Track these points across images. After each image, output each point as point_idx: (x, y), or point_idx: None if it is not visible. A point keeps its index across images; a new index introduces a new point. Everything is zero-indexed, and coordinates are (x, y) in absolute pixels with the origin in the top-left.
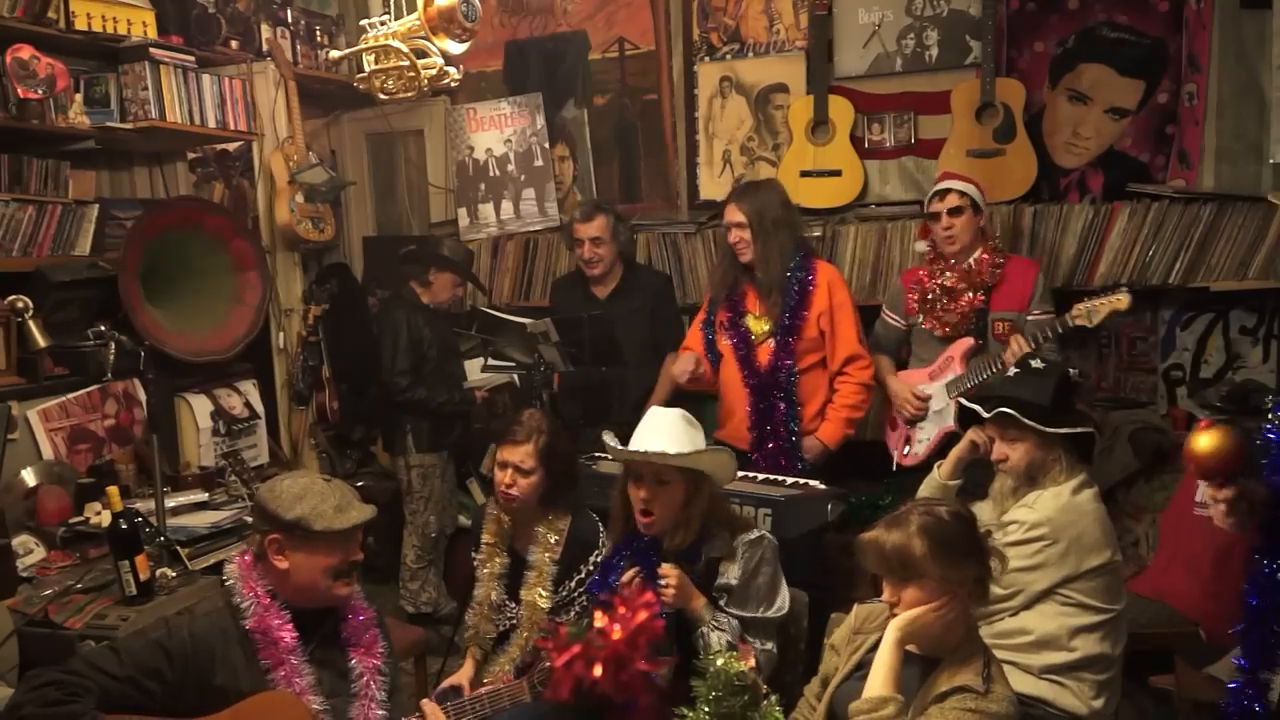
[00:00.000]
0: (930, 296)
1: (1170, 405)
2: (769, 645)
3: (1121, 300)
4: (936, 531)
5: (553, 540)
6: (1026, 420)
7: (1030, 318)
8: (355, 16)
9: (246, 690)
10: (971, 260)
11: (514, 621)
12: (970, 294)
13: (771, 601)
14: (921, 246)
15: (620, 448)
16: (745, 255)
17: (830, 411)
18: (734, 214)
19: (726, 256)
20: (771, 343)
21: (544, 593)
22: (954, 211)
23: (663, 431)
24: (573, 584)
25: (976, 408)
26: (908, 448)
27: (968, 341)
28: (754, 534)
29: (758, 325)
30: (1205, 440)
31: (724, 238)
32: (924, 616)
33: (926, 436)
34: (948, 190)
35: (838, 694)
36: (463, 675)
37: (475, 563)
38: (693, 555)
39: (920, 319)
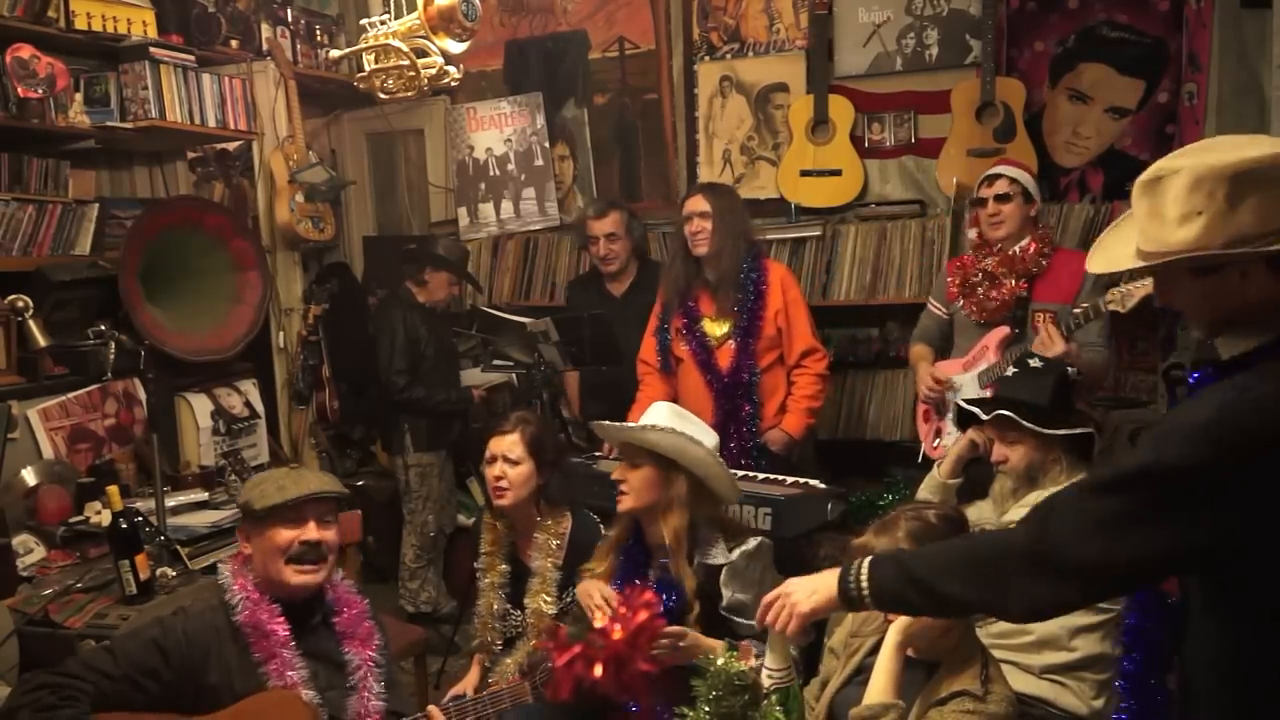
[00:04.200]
0: (972, 280)
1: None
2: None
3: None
4: (924, 536)
5: (554, 546)
6: (1025, 422)
7: (1075, 310)
8: (355, 16)
9: (239, 688)
10: (1018, 247)
11: (519, 630)
12: (1013, 281)
13: None
14: (972, 234)
15: (604, 423)
16: (702, 247)
17: (791, 404)
18: (700, 204)
19: (678, 258)
20: (731, 345)
21: (548, 599)
22: (1001, 198)
23: (649, 417)
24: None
25: (975, 410)
26: (938, 440)
27: (1004, 330)
28: (751, 544)
29: (714, 328)
30: None
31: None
32: (924, 617)
33: (954, 430)
34: (997, 176)
35: (837, 699)
36: (467, 684)
37: (477, 573)
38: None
39: (960, 304)
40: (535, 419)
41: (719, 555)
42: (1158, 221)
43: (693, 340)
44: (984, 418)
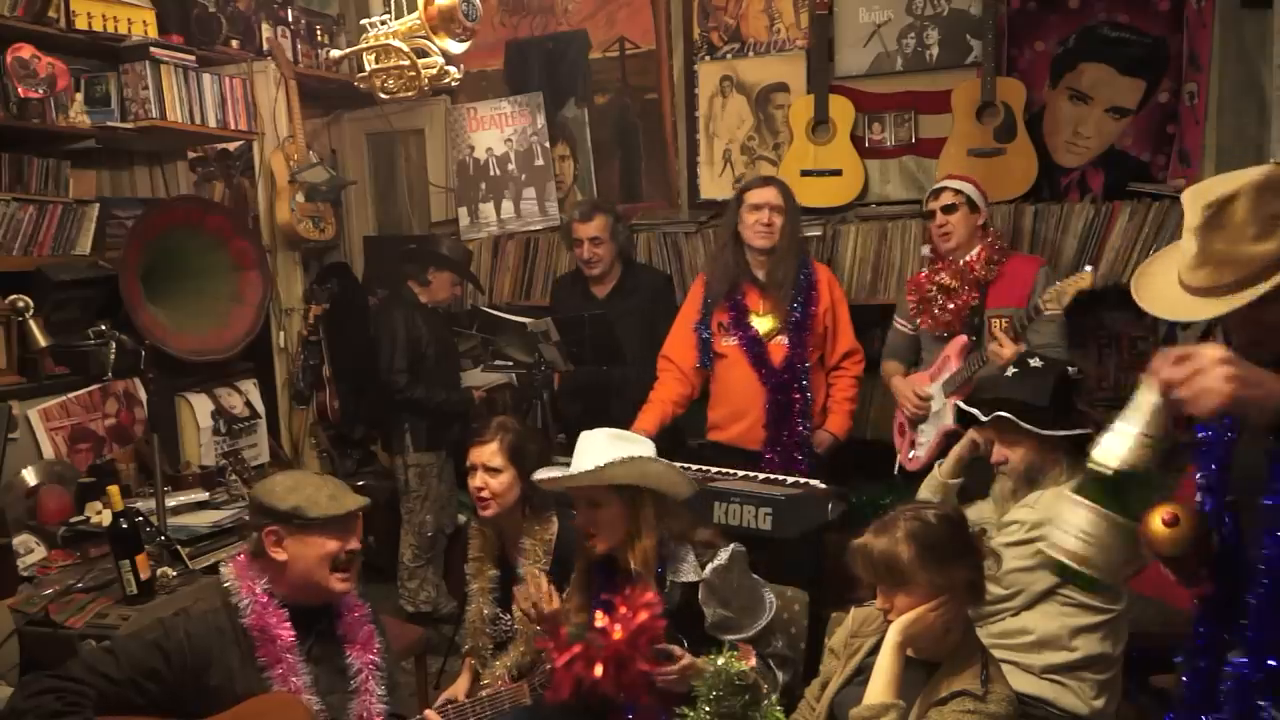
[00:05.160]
0: (928, 296)
1: None
2: (778, 643)
3: (1085, 278)
4: (924, 536)
5: (541, 553)
6: (1024, 424)
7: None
8: (355, 16)
9: (240, 691)
10: (968, 257)
11: (510, 634)
12: (965, 291)
13: (760, 609)
14: (925, 250)
15: (544, 476)
16: (767, 240)
17: (833, 405)
18: (774, 196)
19: (726, 253)
20: (783, 340)
21: None
22: (947, 209)
23: (588, 454)
24: (565, 595)
25: (975, 412)
26: (912, 451)
27: (962, 339)
28: (722, 556)
29: (764, 323)
30: (1169, 539)
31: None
32: (924, 617)
33: (927, 439)
34: (942, 189)
35: (837, 699)
36: (458, 688)
37: (467, 578)
38: (658, 583)
39: (919, 320)
40: (514, 425)
41: (690, 571)
42: (1241, 246)
43: (742, 335)
44: (984, 419)
